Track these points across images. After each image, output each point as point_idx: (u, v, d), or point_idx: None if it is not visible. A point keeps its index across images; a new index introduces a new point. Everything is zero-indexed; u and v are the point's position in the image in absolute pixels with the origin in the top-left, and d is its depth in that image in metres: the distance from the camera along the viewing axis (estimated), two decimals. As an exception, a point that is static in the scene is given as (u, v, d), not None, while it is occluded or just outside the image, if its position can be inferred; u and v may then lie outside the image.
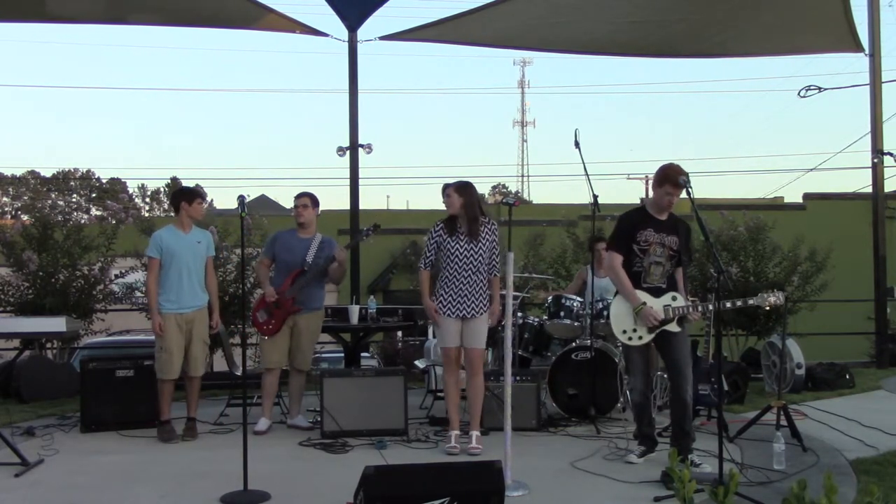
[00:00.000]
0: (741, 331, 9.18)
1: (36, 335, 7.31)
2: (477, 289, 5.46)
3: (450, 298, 5.46)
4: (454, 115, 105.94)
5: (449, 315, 5.45)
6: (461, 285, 5.44)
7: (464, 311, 5.44)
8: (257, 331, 6.29)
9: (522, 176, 53.17)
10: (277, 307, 6.12)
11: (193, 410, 6.07)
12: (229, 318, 8.05)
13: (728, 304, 5.03)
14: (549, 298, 7.03)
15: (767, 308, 5.11)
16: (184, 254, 5.92)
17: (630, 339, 5.08)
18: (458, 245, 5.45)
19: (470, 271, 5.44)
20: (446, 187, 5.58)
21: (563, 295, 7.06)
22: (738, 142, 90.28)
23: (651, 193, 5.36)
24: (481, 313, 5.47)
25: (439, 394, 6.56)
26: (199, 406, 6.20)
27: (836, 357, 9.01)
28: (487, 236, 5.49)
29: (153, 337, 6.01)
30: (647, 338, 5.05)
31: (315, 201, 6.35)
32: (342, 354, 8.14)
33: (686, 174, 4.90)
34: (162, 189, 54.89)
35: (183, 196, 6.10)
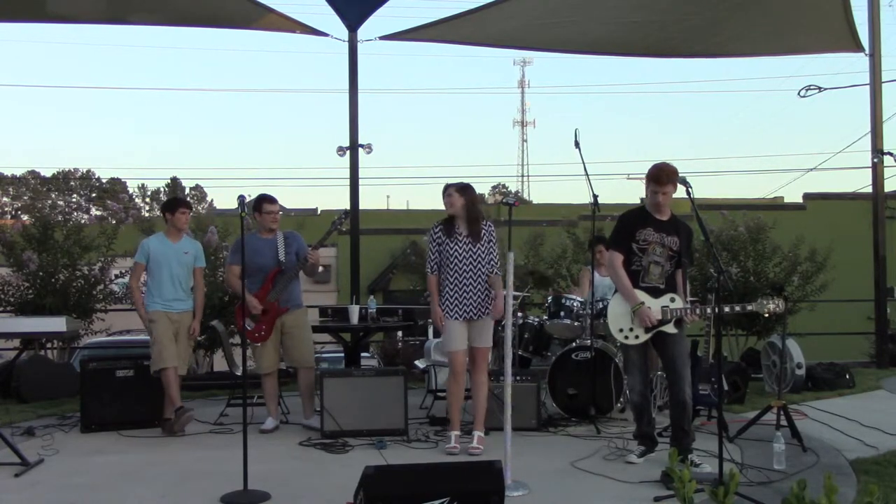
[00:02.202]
0: (741, 331, 9.18)
1: (36, 335, 7.30)
2: (480, 289, 5.45)
3: (455, 301, 5.45)
4: (454, 115, 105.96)
5: (454, 318, 5.45)
6: (465, 287, 5.43)
7: (469, 314, 5.44)
8: (249, 340, 6.22)
9: (522, 176, 53.21)
10: (264, 312, 6.10)
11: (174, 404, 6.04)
12: (230, 318, 8.05)
13: (727, 309, 5.03)
14: (549, 298, 7.03)
15: (766, 315, 5.11)
16: (170, 262, 6.08)
17: (627, 338, 5.09)
18: (458, 247, 5.46)
19: (472, 272, 5.44)
20: (448, 187, 5.59)
21: (563, 295, 7.06)
22: (738, 142, 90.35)
23: None
24: (486, 314, 5.48)
25: (439, 394, 6.56)
26: (198, 406, 6.20)
27: (836, 357, 9.01)
28: (486, 237, 5.52)
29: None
30: (644, 337, 5.05)
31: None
32: (342, 354, 8.14)
33: (668, 170, 4.94)
34: (162, 189, 54.92)
35: (166, 208, 6.31)
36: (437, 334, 6.72)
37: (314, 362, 6.42)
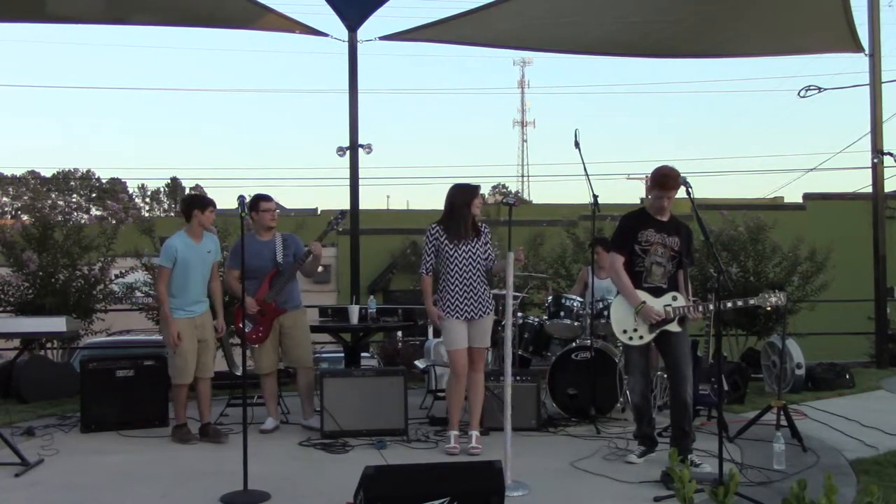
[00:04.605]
0: (741, 331, 9.16)
1: (36, 335, 7.30)
2: (482, 289, 5.48)
3: (456, 301, 5.44)
4: (454, 115, 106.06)
5: (456, 317, 5.45)
6: (468, 288, 5.44)
7: (471, 313, 5.45)
8: (248, 342, 6.17)
9: (522, 176, 53.18)
10: (262, 314, 6.10)
11: (208, 415, 5.95)
12: (229, 319, 8.06)
13: (729, 304, 5.04)
14: (549, 298, 7.03)
15: (768, 308, 5.11)
16: (197, 266, 5.86)
17: (630, 338, 5.08)
18: (459, 249, 5.46)
19: (474, 272, 5.46)
20: (477, 189, 5.60)
21: (563, 295, 7.06)
22: (738, 142, 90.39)
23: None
24: (487, 313, 5.50)
25: (439, 394, 6.56)
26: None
27: (836, 357, 9.00)
28: (484, 236, 5.57)
29: (155, 337, 6.00)
30: (648, 337, 5.05)
31: None
32: (342, 354, 8.14)
33: (673, 175, 4.94)
34: (162, 189, 54.95)
35: (196, 204, 5.92)
36: (437, 334, 6.71)
37: (313, 362, 6.41)
